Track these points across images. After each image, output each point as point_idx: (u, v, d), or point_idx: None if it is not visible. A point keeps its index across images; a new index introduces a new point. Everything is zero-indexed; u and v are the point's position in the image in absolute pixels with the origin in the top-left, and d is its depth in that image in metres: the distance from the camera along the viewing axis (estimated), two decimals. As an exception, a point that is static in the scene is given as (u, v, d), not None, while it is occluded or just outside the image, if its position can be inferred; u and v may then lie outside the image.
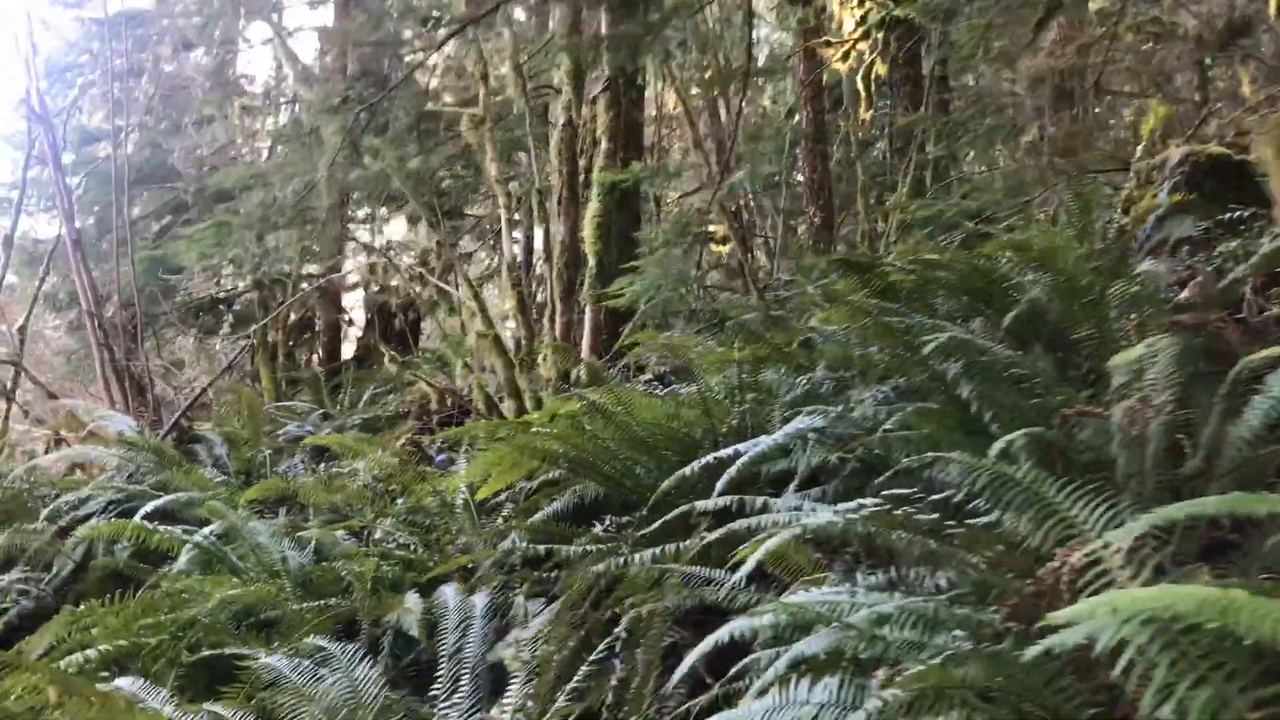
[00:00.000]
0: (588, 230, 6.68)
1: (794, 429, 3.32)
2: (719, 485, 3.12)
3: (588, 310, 6.63)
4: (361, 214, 16.71)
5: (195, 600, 5.30)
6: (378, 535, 6.02)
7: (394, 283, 10.17)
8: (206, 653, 4.40)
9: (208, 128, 15.36)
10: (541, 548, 4.57)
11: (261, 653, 4.22)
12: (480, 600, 3.87)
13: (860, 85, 10.17)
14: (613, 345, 6.82)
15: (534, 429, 4.38)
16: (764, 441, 3.27)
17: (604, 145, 6.92)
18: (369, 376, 10.15)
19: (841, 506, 2.76)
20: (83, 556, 6.65)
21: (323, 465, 7.79)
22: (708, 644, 2.22)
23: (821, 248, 13.56)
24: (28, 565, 6.79)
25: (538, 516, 5.32)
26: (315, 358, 15.42)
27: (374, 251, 16.71)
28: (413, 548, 5.74)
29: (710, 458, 3.41)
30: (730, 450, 3.31)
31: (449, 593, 4.00)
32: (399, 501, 6.60)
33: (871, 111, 10.73)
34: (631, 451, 4.26)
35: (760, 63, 17.43)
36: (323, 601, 4.73)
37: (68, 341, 14.19)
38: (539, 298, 11.78)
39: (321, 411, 9.09)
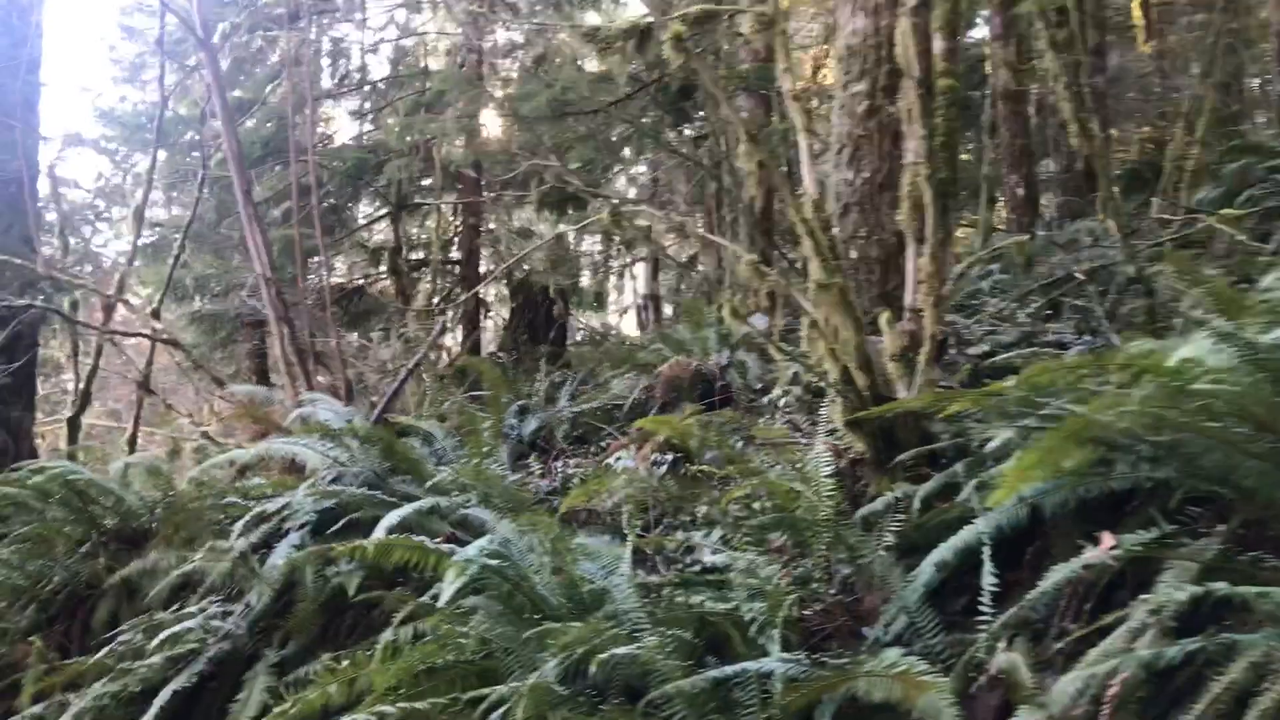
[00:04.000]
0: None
1: None
2: None
3: (909, 255, 4.94)
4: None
5: (496, 645, 3.73)
6: (709, 557, 4.40)
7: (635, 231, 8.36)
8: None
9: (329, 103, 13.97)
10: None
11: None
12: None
13: (1136, 8, 8.40)
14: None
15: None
16: None
17: (939, 44, 5.20)
18: (573, 360, 8.57)
19: None
20: (283, 582, 5.10)
21: (559, 462, 6.22)
22: None
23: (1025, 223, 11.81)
24: (213, 594, 5.27)
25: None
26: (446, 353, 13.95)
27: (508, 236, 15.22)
28: (765, 574, 4.09)
29: None
30: None
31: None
32: (705, 508, 4.99)
33: (1153, 42, 8.98)
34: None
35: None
36: (722, 670, 3.09)
37: (187, 337, 12.80)
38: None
39: (519, 404, 7.51)
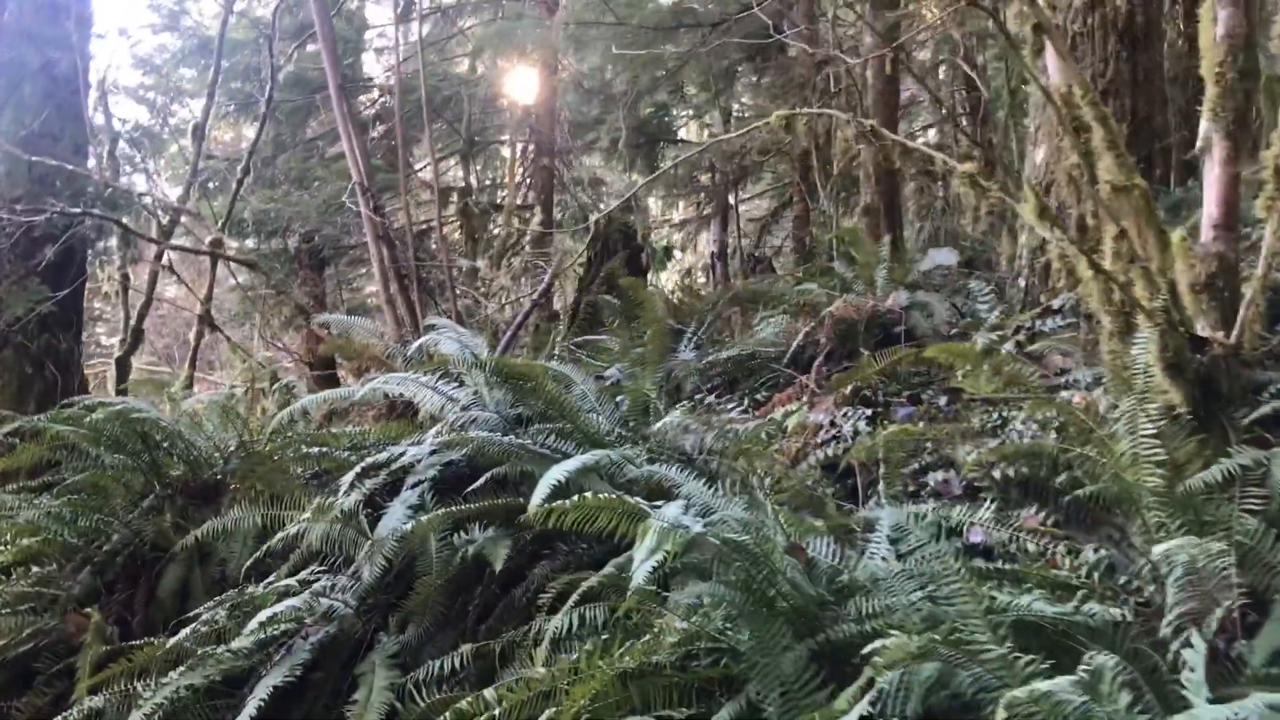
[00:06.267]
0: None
1: None
2: None
3: (1217, 155, 3.85)
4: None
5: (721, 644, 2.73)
6: (976, 538, 3.37)
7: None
8: None
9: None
10: None
11: None
12: None
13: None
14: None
15: None
16: None
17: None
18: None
19: None
20: (397, 550, 4.09)
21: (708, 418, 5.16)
22: None
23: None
24: (310, 563, 4.28)
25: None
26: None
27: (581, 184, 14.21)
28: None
29: None
30: None
31: None
32: (941, 476, 3.96)
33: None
34: None
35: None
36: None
37: (241, 279, 11.79)
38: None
39: (636, 351, 6.46)
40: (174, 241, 7.65)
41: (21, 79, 6.99)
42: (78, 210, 6.25)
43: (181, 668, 3.70)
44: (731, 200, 15.50)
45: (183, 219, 7.92)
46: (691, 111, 16.50)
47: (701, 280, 17.78)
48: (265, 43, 11.20)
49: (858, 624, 2.79)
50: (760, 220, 14.91)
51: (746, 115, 15.39)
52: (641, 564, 2.83)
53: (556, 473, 3.47)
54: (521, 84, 12.73)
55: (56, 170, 6.56)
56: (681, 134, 16.66)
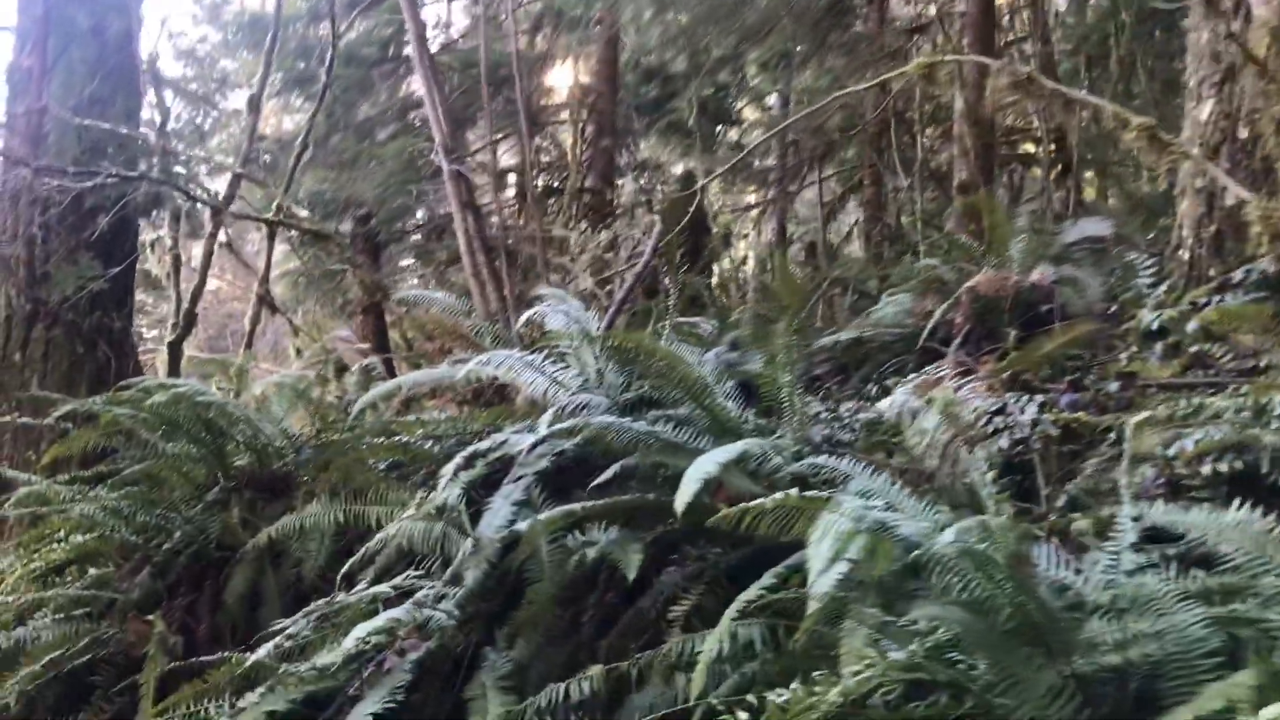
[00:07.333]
0: None
1: None
2: None
3: None
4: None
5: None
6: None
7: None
8: None
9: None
10: None
11: None
12: None
13: None
14: None
15: None
16: None
17: None
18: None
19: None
20: (501, 552, 3.57)
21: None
22: None
23: None
24: (407, 565, 3.77)
25: None
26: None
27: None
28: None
29: None
30: None
31: None
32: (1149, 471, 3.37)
33: None
34: None
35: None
36: None
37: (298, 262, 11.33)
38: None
39: (733, 335, 5.94)
40: (232, 214, 7.17)
41: (70, 40, 6.49)
42: (134, 174, 5.76)
43: (261, 688, 3.19)
44: (811, 178, 14.82)
45: (238, 196, 7.44)
46: (749, 96, 15.96)
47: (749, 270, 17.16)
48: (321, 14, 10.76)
49: (1118, 652, 2.24)
50: (828, 205, 14.23)
51: (804, 100, 14.79)
52: (822, 573, 2.29)
53: (706, 466, 2.92)
54: (583, 61, 12.24)
55: (109, 136, 6.07)
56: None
